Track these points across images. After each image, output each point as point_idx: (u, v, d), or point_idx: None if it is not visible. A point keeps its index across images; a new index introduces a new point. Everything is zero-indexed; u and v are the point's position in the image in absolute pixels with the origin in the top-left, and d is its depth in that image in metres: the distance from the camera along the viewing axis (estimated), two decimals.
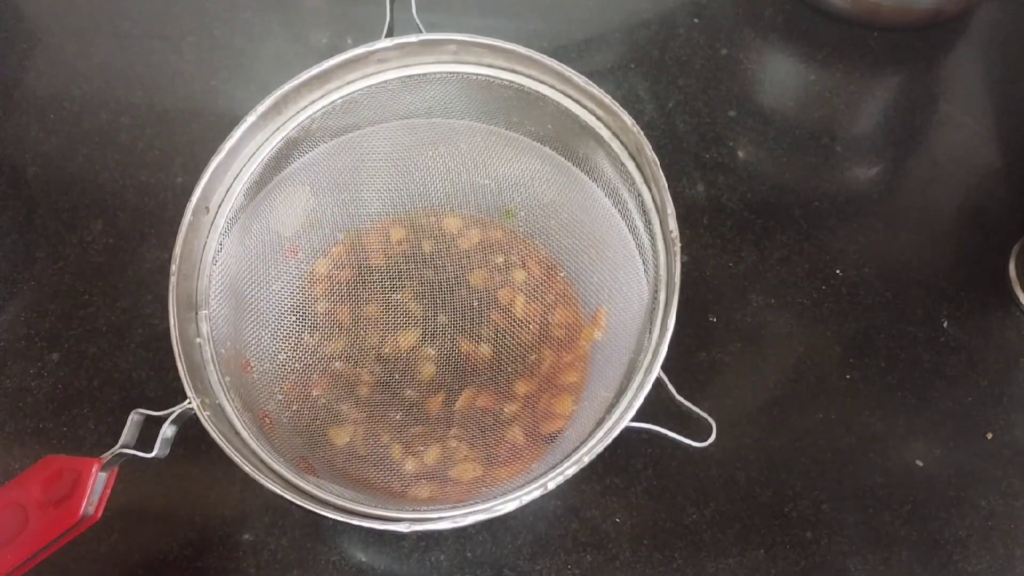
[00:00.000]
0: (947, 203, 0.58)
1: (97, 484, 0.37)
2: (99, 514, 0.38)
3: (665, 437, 0.41)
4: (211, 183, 0.45)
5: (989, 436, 0.50)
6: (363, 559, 0.46)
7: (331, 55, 0.46)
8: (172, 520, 0.47)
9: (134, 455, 0.39)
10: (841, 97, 0.62)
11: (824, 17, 0.63)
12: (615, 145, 0.46)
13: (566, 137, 0.48)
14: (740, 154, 0.59)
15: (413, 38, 0.46)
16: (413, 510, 0.40)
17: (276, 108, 0.46)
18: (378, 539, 0.47)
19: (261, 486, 0.39)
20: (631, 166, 0.46)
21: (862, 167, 0.60)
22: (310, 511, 0.39)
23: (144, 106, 0.60)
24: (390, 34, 0.48)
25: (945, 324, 0.53)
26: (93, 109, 0.60)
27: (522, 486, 0.39)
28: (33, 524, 0.37)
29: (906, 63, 0.63)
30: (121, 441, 0.39)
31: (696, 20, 0.64)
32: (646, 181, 0.45)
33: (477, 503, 0.39)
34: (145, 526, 0.46)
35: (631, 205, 0.46)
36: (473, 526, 0.39)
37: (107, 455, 0.38)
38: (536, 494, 0.38)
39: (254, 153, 0.47)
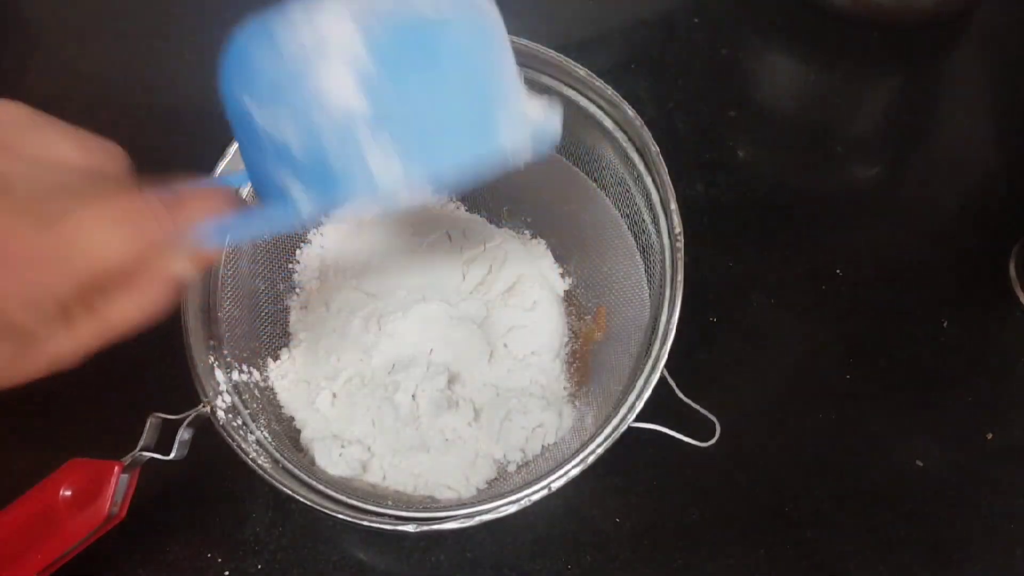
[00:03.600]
0: (947, 203, 0.58)
1: (120, 485, 0.39)
2: (123, 513, 0.39)
3: (665, 437, 0.41)
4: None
5: (989, 436, 0.50)
6: (363, 558, 0.46)
7: None
8: (172, 519, 0.47)
9: (152, 457, 0.40)
10: (841, 97, 0.62)
11: (824, 17, 0.63)
12: (619, 136, 0.46)
13: (571, 126, 0.48)
14: (740, 154, 0.59)
15: None
16: (423, 508, 0.40)
17: None
18: (378, 539, 0.47)
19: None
20: (636, 158, 0.46)
21: (862, 167, 0.60)
22: (318, 510, 0.39)
23: (144, 106, 0.59)
24: None
25: (945, 324, 0.53)
26: (94, 110, 0.59)
27: (527, 486, 0.39)
28: (62, 525, 0.38)
29: (906, 63, 0.63)
30: (141, 444, 0.40)
31: (696, 20, 0.64)
32: (651, 174, 0.45)
33: (483, 503, 0.39)
34: (144, 526, 0.46)
35: (638, 200, 0.46)
36: (474, 526, 0.39)
37: (128, 458, 0.39)
38: (541, 494, 0.39)
39: None
